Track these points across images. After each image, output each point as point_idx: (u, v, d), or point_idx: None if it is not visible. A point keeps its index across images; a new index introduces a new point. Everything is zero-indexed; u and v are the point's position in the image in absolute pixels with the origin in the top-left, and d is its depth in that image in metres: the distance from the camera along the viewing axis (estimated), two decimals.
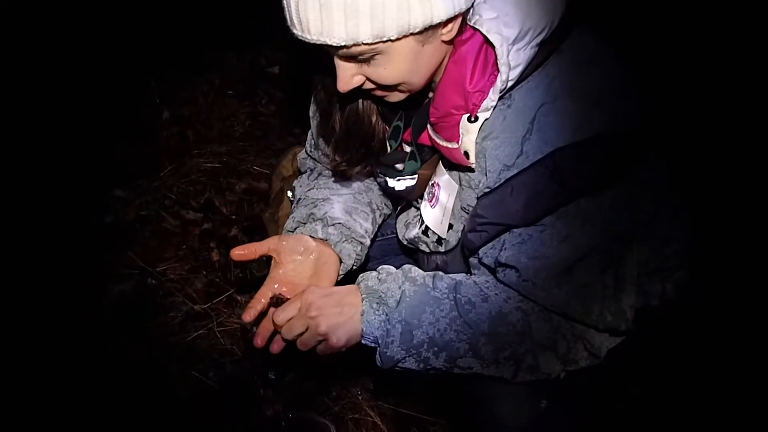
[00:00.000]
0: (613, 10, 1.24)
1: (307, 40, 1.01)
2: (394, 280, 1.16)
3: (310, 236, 1.34)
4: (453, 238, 1.26)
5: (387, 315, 1.12)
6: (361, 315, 1.13)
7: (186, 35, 3.14)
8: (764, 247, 1.97)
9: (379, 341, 1.13)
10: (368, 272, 1.20)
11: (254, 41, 3.31)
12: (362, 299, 1.14)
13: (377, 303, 1.13)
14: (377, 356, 1.15)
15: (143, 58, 2.98)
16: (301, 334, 1.16)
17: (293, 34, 1.02)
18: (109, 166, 2.49)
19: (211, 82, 3.14)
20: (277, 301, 1.25)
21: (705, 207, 1.43)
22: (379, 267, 1.21)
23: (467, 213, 1.21)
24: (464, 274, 1.23)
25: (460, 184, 1.20)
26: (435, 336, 1.11)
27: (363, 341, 1.15)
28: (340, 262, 1.35)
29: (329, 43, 0.98)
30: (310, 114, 1.47)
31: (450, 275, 1.21)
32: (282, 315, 1.16)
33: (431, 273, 1.19)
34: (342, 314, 1.13)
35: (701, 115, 2.10)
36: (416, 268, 1.21)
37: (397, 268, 1.23)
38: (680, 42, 2.24)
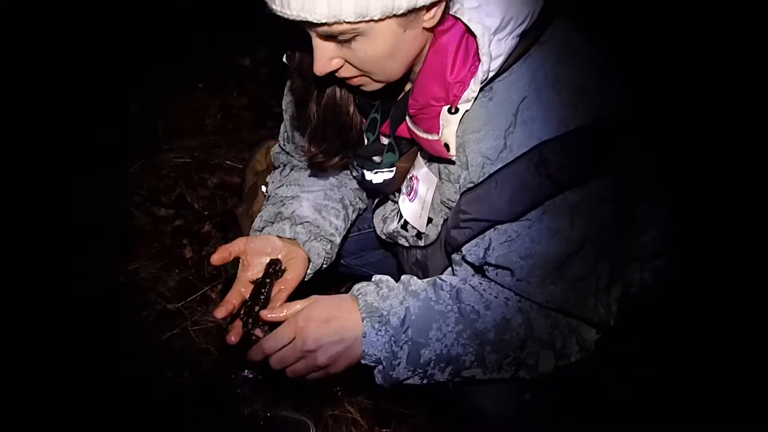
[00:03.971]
0: (592, 1, 1.23)
1: (286, 17, 0.97)
2: (395, 296, 1.11)
3: (278, 236, 1.32)
4: (432, 233, 1.25)
5: (392, 336, 1.07)
6: (363, 337, 1.07)
7: (154, 26, 3.08)
8: (742, 233, 2.01)
9: (383, 362, 1.08)
10: (366, 285, 1.14)
11: (224, 32, 3.26)
12: (362, 319, 1.08)
13: (379, 323, 1.07)
14: (378, 376, 1.10)
15: (110, 50, 2.91)
16: (293, 363, 1.09)
17: (271, 10, 0.98)
18: (76, 162, 2.43)
19: (181, 75, 3.09)
20: (274, 270, 1.23)
21: (681, 194, 1.44)
22: (377, 278, 1.15)
23: (447, 207, 1.19)
24: (458, 279, 1.19)
25: (440, 178, 1.19)
26: (442, 352, 1.08)
27: (363, 362, 1.09)
28: (309, 261, 1.33)
29: (310, 19, 0.95)
30: (284, 106, 1.45)
31: (447, 280, 1.17)
32: (272, 343, 1.09)
33: (431, 282, 1.15)
34: (342, 343, 1.07)
35: (679, 103, 2.12)
36: (415, 278, 1.16)
37: (376, 263, 1.21)
38: (659, 31, 2.27)
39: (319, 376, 1.10)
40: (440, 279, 1.17)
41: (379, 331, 1.07)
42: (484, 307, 1.11)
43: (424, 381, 1.11)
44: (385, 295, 1.11)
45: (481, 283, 1.16)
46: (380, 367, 1.09)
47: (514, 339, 1.10)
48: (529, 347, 1.11)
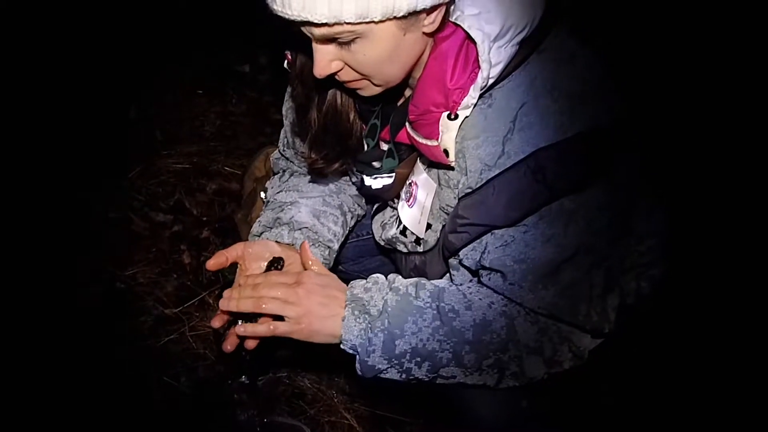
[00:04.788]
0: (590, 9, 1.24)
1: (287, 17, 0.97)
2: (378, 290, 1.15)
3: (276, 241, 1.32)
4: (431, 238, 1.25)
5: (369, 324, 1.11)
6: (342, 320, 1.11)
7: (153, 32, 3.08)
8: (740, 241, 2.01)
9: (359, 350, 1.11)
10: (357, 281, 1.18)
11: (224, 39, 3.27)
12: (345, 305, 1.12)
13: (359, 311, 1.12)
14: (357, 365, 1.13)
15: (109, 56, 2.91)
16: (273, 300, 1.13)
17: (272, 10, 0.98)
18: (75, 168, 2.42)
19: (180, 81, 3.08)
20: (277, 268, 1.25)
21: (679, 202, 1.45)
22: (371, 276, 1.19)
23: (446, 213, 1.20)
24: (448, 281, 1.21)
25: (439, 184, 1.20)
26: (417, 346, 1.10)
27: (341, 347, 1.13)
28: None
29: (310, 19, 0.95)
30: (284, 112, 1.46)
31: (434, 282, 1.19)
32: (274, 277, 1.17)
33: (414, 281, 1.18)
34: (325, 308, 1.12)
35: (679, 110, 2.13)
36: (400, 277, 1.19)
37: (374, 270, 1.22)
38: (659, 38, 2.28)
39: (287, 328, 1.13)
40: (425, 280, 1.20)
41: (358, 318, 1.11)
42: (465, 307, 1.13)
43: (403, 376, 1.13)
44: (369, 288, 1.15)
45: (469, 287, 1.17)
46: (357, 356, 1.12)
47: (494, 341, 1.11)
48: (511, 351, 1.11)
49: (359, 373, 1.14)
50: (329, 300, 1.13)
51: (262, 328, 1.14)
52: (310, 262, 1.21)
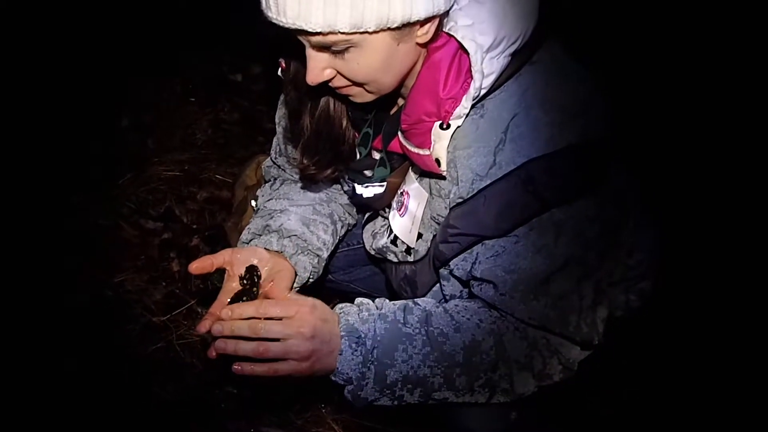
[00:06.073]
0: (583, 23, 1.26)
1: (281, 25, 0.98)
2: (374, 321, 1.12)
3: (265, 248, 1.31)
4: (422, 248, 1.25)
5: (364, 357, 1.08)
6: (339, 354, 1.08)
7: (146, 40, 3.08)
8: (730, 253, 2.03)
9: (354, 382, 1.09)
10: (348, 305, 1.15)
11: (216, 47, 3.28)
12: (341, 337, 1.09)
13: (356, 343, 1.09)
14: (348, 395, 1.11)
15: (102, 63, 2.91)
16: (268, 340, 1.07)
17: (267, 17, 0.99)
18: (66, 174, 2.41)
19: (173, 89, 3.08)
20: (258, 276, 1.21)
21: (669, 216, 1.46)
22: (358, 301, 1.17)
23: (437, 223, 1.20)
24: (434, 302, 1.20)
25: (430, 193, 1.20)
26: (409, 374, 1.09)
27: (333, 378, 1.10)
28: (296, 274, 1.32)
29: (305, 28, 0.95)
30: (276, 119, 1.46)
31: (421, 304, 1.17)
32: (273, 309, 1.09)
33: (402, 306, 1.16)
34: (328, 345, 1.07)
35: (667, 124, 2.15)
36: (388, 301, 1.17)
37: (365, 279, 1.21)
38: (650, 53, 2.30)
39: (288, 369, 1.07)
40: (412, 303, 1.18)
41: (355, 351, 1.08)
42: (453, 329, 1.12)
43: (395, 402, 1.11)
44: (365, 318, 1.12)
45: (456, 305, 1.16)
46: (350, 386, 1.09)
47: (484, 361, 1.10)
48: (501, 369, 1.11)
49: (349, 401, 1.11)
50: (331, 336, 1.08)
51: (263, 369, 1.08)
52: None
